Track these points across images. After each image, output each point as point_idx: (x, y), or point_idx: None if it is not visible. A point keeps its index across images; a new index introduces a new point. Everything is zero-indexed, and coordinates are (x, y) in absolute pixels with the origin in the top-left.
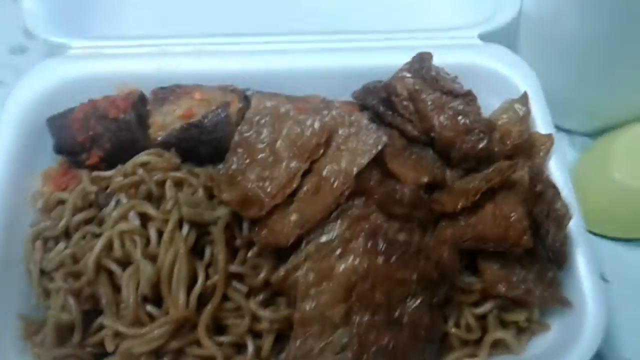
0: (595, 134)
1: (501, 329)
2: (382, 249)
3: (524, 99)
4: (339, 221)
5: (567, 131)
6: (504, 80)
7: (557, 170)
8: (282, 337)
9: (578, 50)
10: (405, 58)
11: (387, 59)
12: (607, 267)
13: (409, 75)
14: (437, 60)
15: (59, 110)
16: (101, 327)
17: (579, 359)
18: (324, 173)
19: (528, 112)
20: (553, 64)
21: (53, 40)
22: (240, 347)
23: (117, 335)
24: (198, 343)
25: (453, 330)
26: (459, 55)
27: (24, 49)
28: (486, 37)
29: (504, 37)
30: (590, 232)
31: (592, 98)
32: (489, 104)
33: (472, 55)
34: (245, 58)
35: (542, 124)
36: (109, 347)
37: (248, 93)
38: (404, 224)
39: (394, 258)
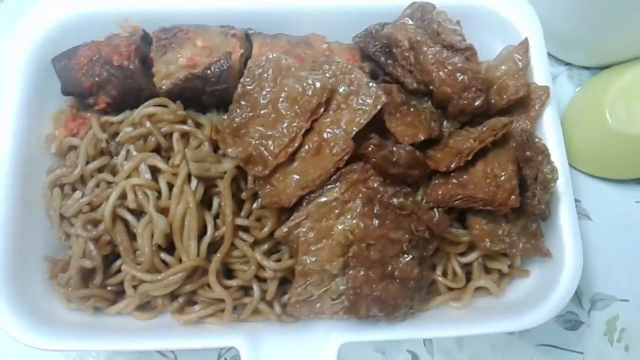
0: (594, 68)
1: (485, 275)
2: (378, 213)
3: (524, 47)
4: (337, 184)
5: (567, 64)
6: (507, 23)
7: (551, 123)
8: (284, 281)
9: None
10: None
11: None
12: (592, 205)
13: (410, 22)
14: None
15: (62, 48)
16: (120, 269)
17: (553, 308)
18: (325, 135)
19: (527, 64)
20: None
21: None
22: (247, 290)
23: (135, 278)
24: (209, 286)
25: (440, 279)
26: None
27: None
28: None
29: None
30: (579, 170)
31: (594, 35)
32: (490, 46)
33: None
34: None
35: (540, 73)
36: (129, 291)
37: (250, 32)
38: (398, 186)
39: (388, 221)
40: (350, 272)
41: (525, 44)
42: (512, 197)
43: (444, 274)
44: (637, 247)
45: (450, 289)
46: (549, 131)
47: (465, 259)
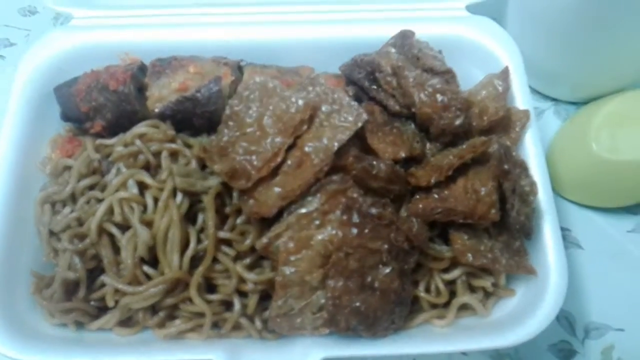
0: (580, 103)
1: (469, 293)
2: (356, 222)
3: (504, 74)
4: (318, 195)
5: (553, 100)
6: (488, 53)
7: (531, 145)
8: (266, 297)
9: (563, 23)
10: (394, 30)
11: (377, 30)
12: (583, 234)
13: (393, 50)
14: (424, 32)
15: (65, 79)
16: (104, 284)
17: (539, 324)
18: (306, 149)
19: (507, 88)
20: (539, 35)
21: (58, 10)
22: (228, 305)
23: (117, 291)
24: (190, 300)
25: (423, 294)
26: (445, 27)
27: (33, 11)
28: (474, 9)
29: (492, 8)
30: (568, 200)
31: (577, 70)
32: (472, 76)
33: (458, 28)
34: (239, 29)
35: (521, 99)
36: (110, 303)
37: (242, 64)
38: (378, 198)
39: (366, 230)
40: (330, 282)
41: (505, 72)
42: (493, 210)
43: (427, 291)
44: (630, 276)
45: (434, 307)
46: (531, 153)
47: (449, 276)
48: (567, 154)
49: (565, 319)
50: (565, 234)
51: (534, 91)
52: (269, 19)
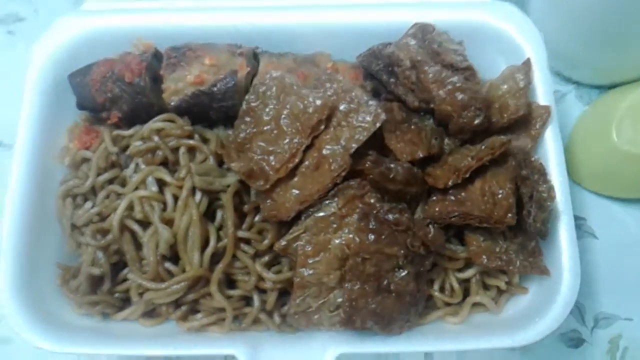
0: (602, 87)
1: (482, 292)
2: (373, 228)
3: (526, 66)
4: (335, 199)
5: (575, 82)
6: (511, 41)
7: (551, 142)
8: (285, 292)
9: (587, 8)
10: (414, 16)
11: (396, 16)
12: (598, 224)
13: (413, 42)
14: (445, 18)
15: (78, 65)
16: (127, 278)
17: (550, 324)
18: (324, 151)
19: (528, 83)
20: (562, 17)
21: None
22: (249, 300)
23: (141, 286)
24: (211, 295)
25: (437, 294)
26: (467, 13)
27: None
28: None
29: None
30: (585, 188)
31: (600, 54)
32: (494, 64)
33: (481, 14)
34: (254, 14)
35: (542, 92)
36: (134, 297)
37: (257, 51)
38: (395, 202)
39: (383, 236)
40: (346, 285)
41: (527, 64)
42: (509, 215)
43: (442, 290)
44: None
45: (448, 304)
46: (550, 150)
47: (463, 275)
48: (587, 143)
49: (576, 308)
50: (580, 223)
51: (555, 73)
52: (285, 4)
